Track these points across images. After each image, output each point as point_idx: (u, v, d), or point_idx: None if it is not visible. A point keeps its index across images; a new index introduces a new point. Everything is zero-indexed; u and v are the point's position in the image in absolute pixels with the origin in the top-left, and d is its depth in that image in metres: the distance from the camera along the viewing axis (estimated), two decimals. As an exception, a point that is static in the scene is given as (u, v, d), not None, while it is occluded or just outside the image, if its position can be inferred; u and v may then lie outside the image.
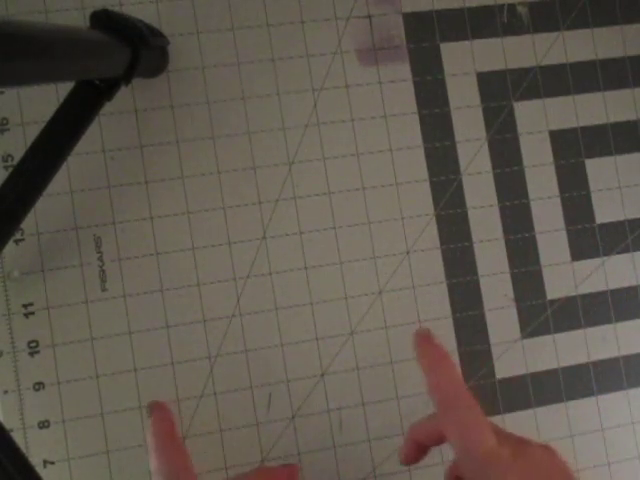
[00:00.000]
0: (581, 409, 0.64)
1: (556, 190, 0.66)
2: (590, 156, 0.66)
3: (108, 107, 0.53)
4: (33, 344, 0.58)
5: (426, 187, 0.64)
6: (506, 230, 0.65)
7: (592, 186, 0.66)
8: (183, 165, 0.60)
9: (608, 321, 0.65)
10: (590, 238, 0.66)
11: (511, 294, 0.64)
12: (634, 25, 0.68)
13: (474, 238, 0.64)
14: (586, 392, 0.64)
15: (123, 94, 0.56)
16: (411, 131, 0.64)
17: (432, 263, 0.63)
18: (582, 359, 0.65)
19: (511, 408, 0.63)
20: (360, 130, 0.63)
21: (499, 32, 0.66)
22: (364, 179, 0.63)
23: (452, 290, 0.63)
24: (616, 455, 0.64)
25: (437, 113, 0.64)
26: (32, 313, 0.58)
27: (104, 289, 0.59)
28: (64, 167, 0.57)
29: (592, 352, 0.65)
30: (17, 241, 0.58)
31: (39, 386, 0.58)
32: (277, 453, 0.60)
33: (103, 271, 0.59)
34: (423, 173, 0.64)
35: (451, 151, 0.64)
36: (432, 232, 0.63)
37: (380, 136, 0.63)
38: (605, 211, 0.66)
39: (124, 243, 0.60)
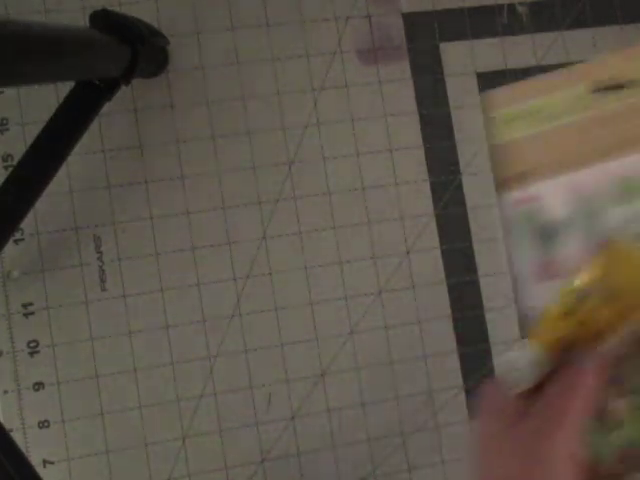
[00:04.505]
0: (581, 409, 0.64)
1: (556, 190, 0.65)
2: (590, 156, 0.66)
3: (108, 107, 0.53)
4: (33, 344, 0.58)
5: (426, 187, 0.64)
6: (506, 230, 0.65)
7: (592, 186, 0.66)
8: (183, 165, 0.60)
9: (608, 321, 0.65)
10: (590, 238, 0.66)
11: (511, 294, 0.64)
12: (634, 25, 0.68)
13: (474, 238, 0.64)
14: (586, 392, 0.64)
15: (123, 94, 0.56)
16: (411, 131, 0.64)
17: (432, 263, 0.63)
18: (582, 359, 0.65)
19: (511, 408, 0.63)
20: (360, 130, 0.63)
21: (499, 32, 0.66)
22: (364, 179, 0.63)
23: (452, 290, 0.63)
24: (616, 455, 0.64)
25: (437, 113, 0.64)
26: (32, 313, 0.58)
27: (104, 289, 0.59)
28: (64, 167, 0.57)
29: (592, 352, 0.65)
30: (17, 241, 0.58)
31: (39, 386, 0.58)
32: (277, 453, 0.60)
33: (103, 271, 0.59)
34: (423, 173, 0.64)
35: (451, 151, 0.64)
36: (432, 232, 0.63)
37: (380, 136, 0.63)
38: (605, 211, 0.66)
39: (124, 243, 0.60)
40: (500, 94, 0.32)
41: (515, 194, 0.32)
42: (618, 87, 0.32)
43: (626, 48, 0.32)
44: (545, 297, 0.31)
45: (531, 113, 0.32)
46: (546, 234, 0.32)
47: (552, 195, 0.32)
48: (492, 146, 0.32)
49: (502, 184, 0.33)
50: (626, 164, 0.32)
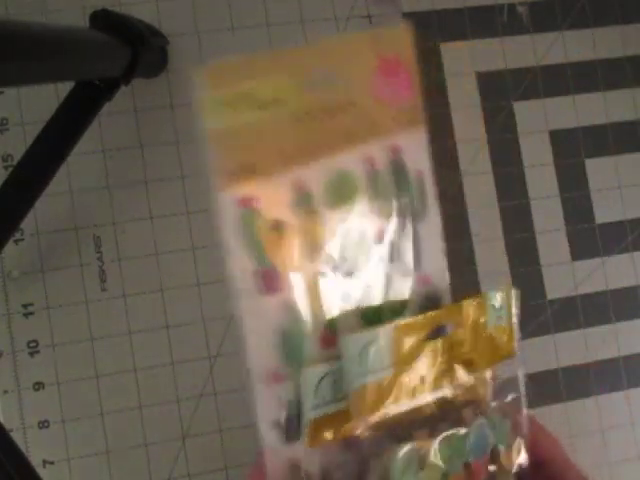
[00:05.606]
0: (581, 409, 0.64)
1: (556, 190, 0.66)
2: (590, 156, 0.66)
3: (108, 107, 0.53)
4: (33, 344, 0.58)
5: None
6: (506, 230, 0.65)
7: (592, 186, 0.66)
8: (183, 165, 0.60)
9: (608, 321, 0.65)
10: (590, 238, 0.66)
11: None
12: (634, 25, 0.68)
13: (474, 238, 0.64)
14: (586, 392, 0.64)
15: (123, 94, 0.56)
16: (411, 131, 0.64)
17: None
18: (582, 359, 0.65)
19: (511, 408, 0.63)
20: (360, 130, 0.63)
21: (499, 32, 0.65)
22: (364, 179, 0.63)
23: (452, 290, 0.63)
24: (616, 455, 0.64)
25: (437, 113, 0.64)
26: (32, 313, 0.58)
27: (104, 289, 0.59)
28: (64, 167, 0.57)
29: (592, 352, 0.65)
30: (17, 241, 0.58)
31: (39, 386, 0.58)
32: (277, 453, 0.60)
33: (103, 271, 0.59)
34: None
35: (451, 151, 0.64)
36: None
37: (380, 136, 0.63)
38: (605, 211, 0.66)
39: (124, 243, 0.59)
40: (209, 71, 0.27)
41: (234, 192, 0.28)
42: (328, 81, 0.28)
43: (336, 35, 0.28)
44: (268, 312, 0.27)
45: (242, 98, 0.27)
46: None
47: (273, 195, 0.28)
48: (206, 132, 0.28)
49: (219, 180, 0.29)
50: (343, 159, 0.28)
